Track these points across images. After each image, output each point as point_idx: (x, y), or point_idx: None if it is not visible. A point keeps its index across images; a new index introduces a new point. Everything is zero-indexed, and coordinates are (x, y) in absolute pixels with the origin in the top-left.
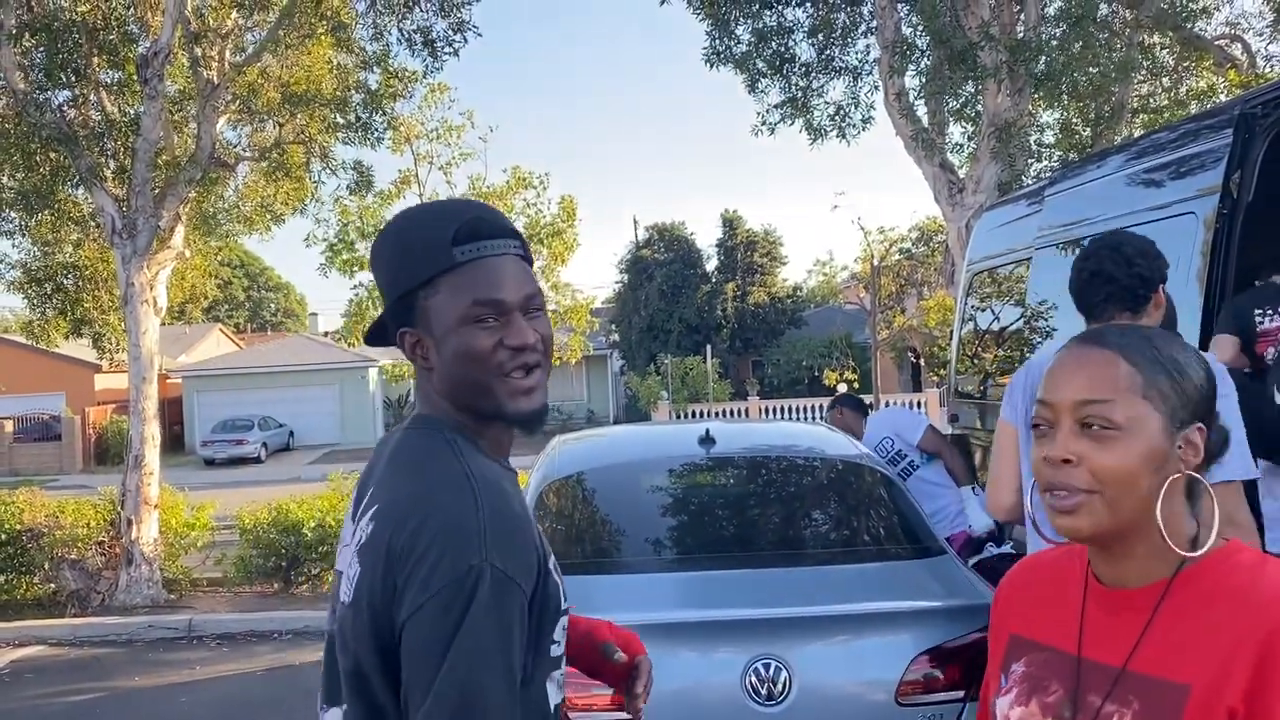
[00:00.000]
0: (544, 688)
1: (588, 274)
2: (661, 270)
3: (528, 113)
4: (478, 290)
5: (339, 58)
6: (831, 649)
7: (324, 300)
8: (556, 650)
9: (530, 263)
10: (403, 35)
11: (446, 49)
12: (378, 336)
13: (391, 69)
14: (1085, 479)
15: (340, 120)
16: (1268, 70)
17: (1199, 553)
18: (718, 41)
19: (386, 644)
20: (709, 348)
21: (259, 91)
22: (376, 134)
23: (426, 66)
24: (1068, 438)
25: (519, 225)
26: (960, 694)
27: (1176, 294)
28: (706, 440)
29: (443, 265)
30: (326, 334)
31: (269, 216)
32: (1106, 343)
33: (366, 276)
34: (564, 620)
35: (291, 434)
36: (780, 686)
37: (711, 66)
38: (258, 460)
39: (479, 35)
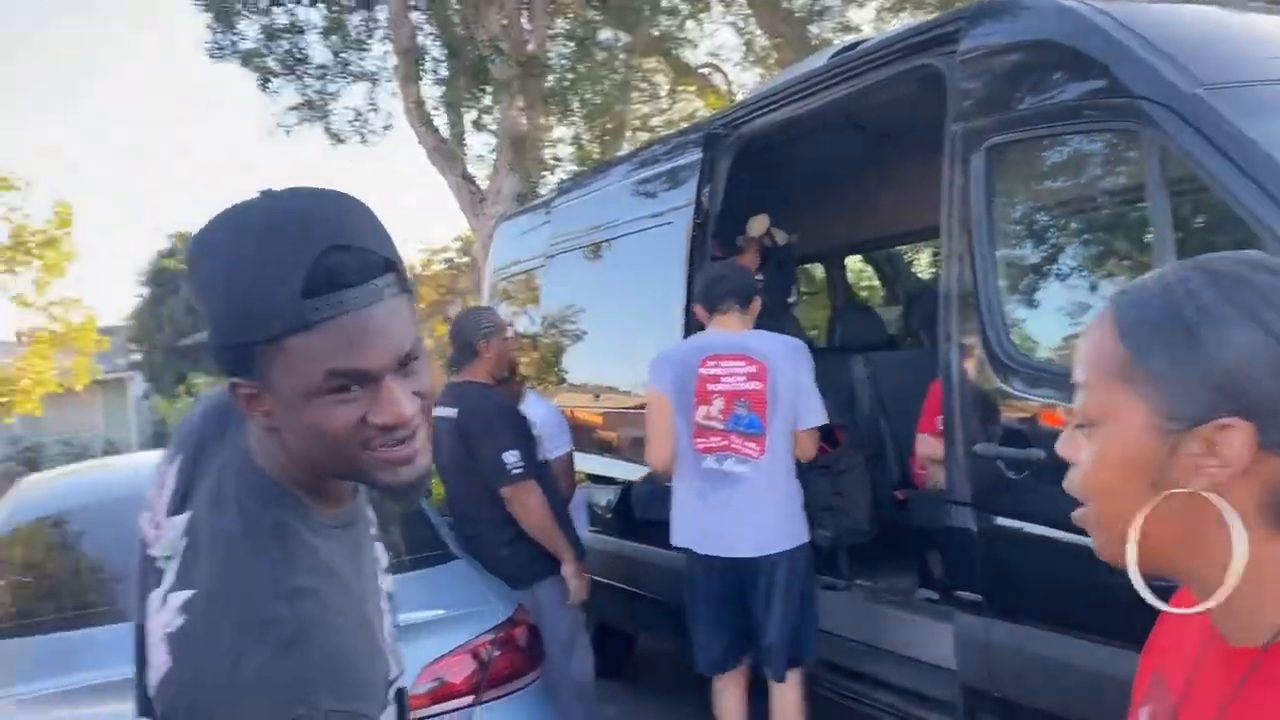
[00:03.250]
0: None
1: (105, 288)
2: (189, 282)
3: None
4: (334, 358)
5: None
6: None
7: None
8: None
9: (411, 292)
10: None
11: None
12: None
13: None
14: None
15: None
16: (741, 97)
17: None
18: (220, 35)
19: None
20: None
21: None
22: None
23: None
24: None
25: None
26: (469, 699)
27: (668, 294)
28: None
29: (290, 327)
30: None
31: None
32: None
33: None
34: None
35: None
36: None
37: (216, 61)
38: None
39: None
